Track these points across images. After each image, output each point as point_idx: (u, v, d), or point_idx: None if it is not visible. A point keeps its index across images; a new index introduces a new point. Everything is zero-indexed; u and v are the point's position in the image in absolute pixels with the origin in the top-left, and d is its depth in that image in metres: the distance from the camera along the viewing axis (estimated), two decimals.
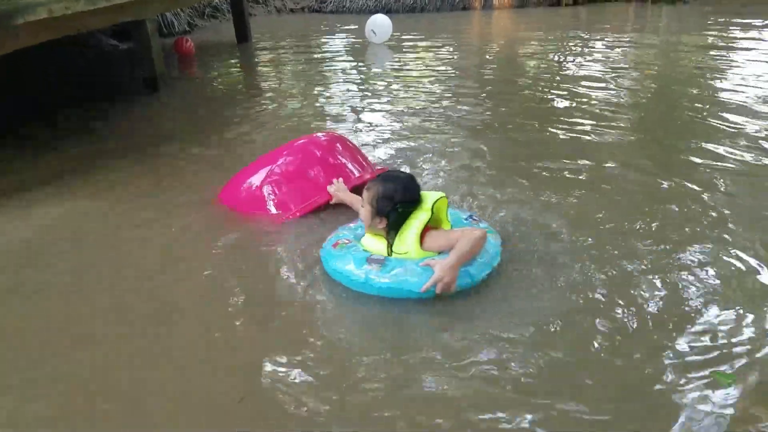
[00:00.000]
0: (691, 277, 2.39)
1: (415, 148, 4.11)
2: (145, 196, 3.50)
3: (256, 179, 3.19)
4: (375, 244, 2.44)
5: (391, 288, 2.20)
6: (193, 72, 7.64)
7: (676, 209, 3.01)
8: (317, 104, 5.56)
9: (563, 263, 2.50)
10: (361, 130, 4.61)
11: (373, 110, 5.24)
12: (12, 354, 2.14)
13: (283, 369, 1.96)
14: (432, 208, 2.32)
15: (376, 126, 4.72)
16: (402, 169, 3.54)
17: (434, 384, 1.86)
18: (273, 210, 3.10)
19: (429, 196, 2.39)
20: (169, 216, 3.19)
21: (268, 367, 1.98)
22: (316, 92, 6.01)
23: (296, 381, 1.89)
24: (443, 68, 7.00)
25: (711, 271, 2.43)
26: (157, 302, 2.41)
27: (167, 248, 2.87)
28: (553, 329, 2.09)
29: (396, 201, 2.33)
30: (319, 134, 3.54)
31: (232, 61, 8.31)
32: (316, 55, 8.24)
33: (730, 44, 7.79)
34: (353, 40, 9.42)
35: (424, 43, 8.73)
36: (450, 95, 5.69)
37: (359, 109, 5.28)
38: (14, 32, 3.85)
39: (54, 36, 4.45)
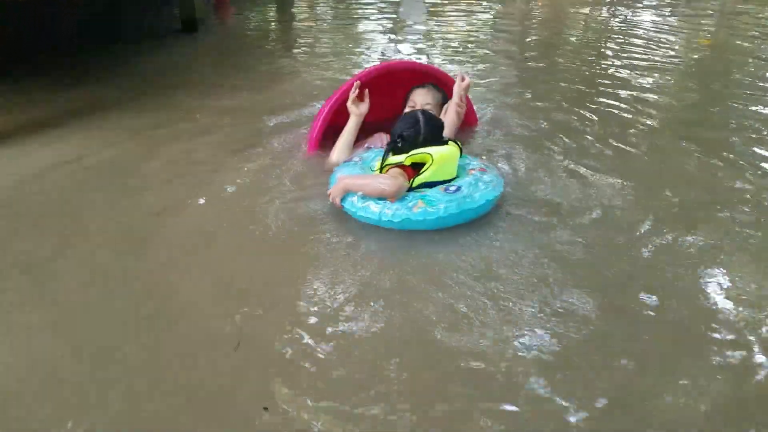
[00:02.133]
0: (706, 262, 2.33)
1: None
2: (172, 137, 3.56)
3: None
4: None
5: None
6: (229, 19, 7.64)
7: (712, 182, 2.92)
8: (351, 58, 5.52)
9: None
10: None
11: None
12: None
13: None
14: (408, 161, 2.45)
15: None
16: None
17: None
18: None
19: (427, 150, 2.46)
20: (194, 165, 3.25)
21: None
22: (350, 47, 5.97)
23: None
24: (482, 29, 6.86)
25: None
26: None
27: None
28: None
29: (399, 135, 2.52)
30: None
31: (270, 8, 8.27)
32: (354, 9, 8.14)
33: None
34: None
35: (461, 6, 8.53)
36: (486, 55, 5.60)
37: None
38: None
39: None
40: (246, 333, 1.89)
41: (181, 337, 1.90)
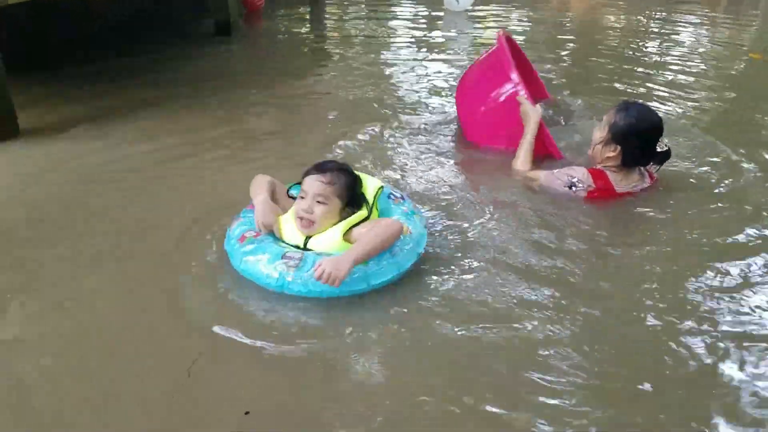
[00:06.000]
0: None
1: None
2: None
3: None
4: (292, 232, 2.15)
5: (310, 291, 1.99)
6: (261, 24, 7.62)
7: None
8: (382, 67, 5.42)
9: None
10: (424, 104, 4.42)
11: (440, 81, 4.94)
12: None
13: None
14: (372, 205, 2.19)
15: (441, 97, 4.51)
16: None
17: None
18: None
19: (368, 187, 2.24)
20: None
21: None
22: (382, 56, 5.88)
23: None
24: (520, 40, 6.69)
25: None
26: None
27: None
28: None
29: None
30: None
31: (302, 16, 8.24)
32: (389, 17, 8.08)
33: None
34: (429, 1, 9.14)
35: (502, 14, 8.38)
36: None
37: (425, 76, 5.05)
38: None
39: None
40: None
41: None
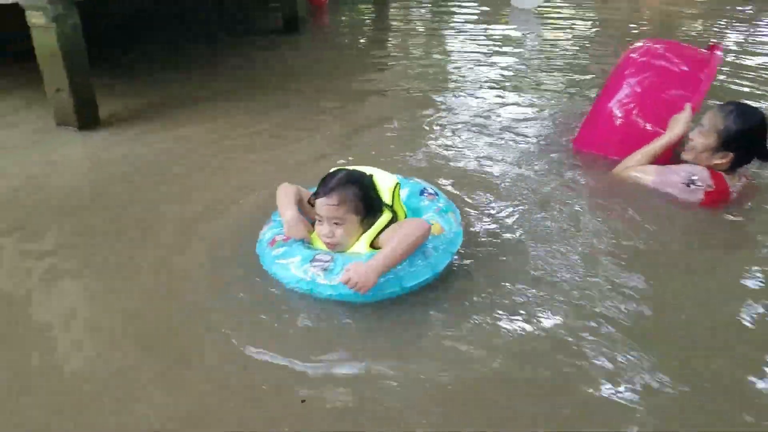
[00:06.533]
0: None
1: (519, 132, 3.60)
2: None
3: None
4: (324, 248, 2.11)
5: (340, 294, 1.93)
6: (324, 21, 7.60)
7: None
8: (445, 64, 5.26)
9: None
10: (487, 101, 4.24)
11: (504, 78, 4.74)
12: None
13: None
14: (392, 206, 2.10)
15: (504, 94, 4.31)
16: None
17: None
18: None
19: (382, 188, 2.10)
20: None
21: None
22: (446, 52, 5.72)
23: None
24: (590, 46, 6.32)
25: None
26: None
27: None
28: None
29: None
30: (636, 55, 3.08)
31: (365, 11, 8.17)
32: (453, 14, 7.89)
33: None
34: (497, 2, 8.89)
35: (574, 13, 8.00)
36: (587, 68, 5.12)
37: (489, 74, 4.85)
38: None
39: None
40: None
41: None
